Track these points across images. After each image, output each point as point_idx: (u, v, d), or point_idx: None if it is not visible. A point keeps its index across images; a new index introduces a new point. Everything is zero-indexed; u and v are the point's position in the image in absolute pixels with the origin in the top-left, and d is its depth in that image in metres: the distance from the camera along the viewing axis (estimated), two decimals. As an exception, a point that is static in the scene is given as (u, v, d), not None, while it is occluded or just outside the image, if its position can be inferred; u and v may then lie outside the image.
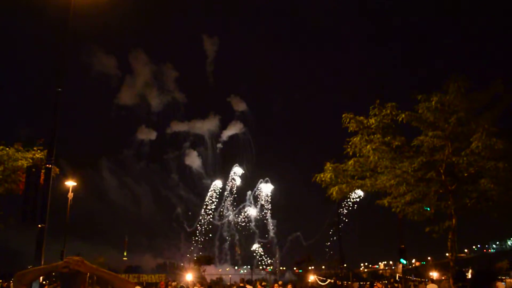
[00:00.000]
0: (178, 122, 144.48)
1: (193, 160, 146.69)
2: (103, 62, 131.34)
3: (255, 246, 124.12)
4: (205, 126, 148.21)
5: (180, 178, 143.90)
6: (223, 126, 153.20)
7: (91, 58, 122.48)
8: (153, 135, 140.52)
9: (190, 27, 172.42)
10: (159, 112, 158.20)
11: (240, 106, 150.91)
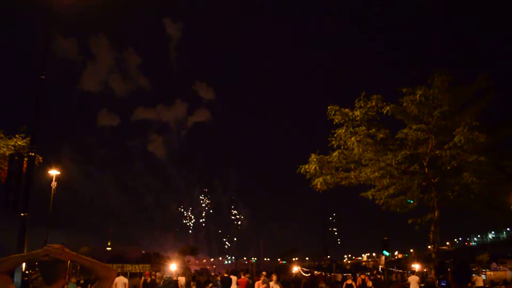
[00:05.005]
0: (143, 109, 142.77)
1: (158, 147, 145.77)
2: (63, 47, 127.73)
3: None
4: (171, 113, 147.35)
5: (145, 166, 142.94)
6: (189, 112, 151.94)
7: (52, 43, 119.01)
8: (116, 121, 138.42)
9: (152, 11, 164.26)
10: (123, 99, 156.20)
11: (207, 93, 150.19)
